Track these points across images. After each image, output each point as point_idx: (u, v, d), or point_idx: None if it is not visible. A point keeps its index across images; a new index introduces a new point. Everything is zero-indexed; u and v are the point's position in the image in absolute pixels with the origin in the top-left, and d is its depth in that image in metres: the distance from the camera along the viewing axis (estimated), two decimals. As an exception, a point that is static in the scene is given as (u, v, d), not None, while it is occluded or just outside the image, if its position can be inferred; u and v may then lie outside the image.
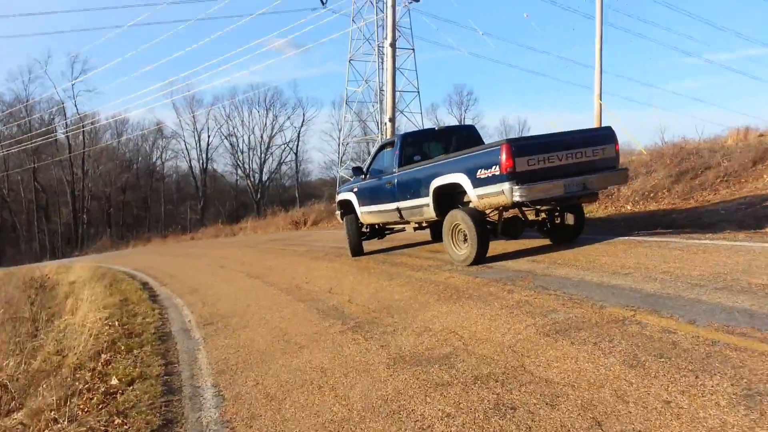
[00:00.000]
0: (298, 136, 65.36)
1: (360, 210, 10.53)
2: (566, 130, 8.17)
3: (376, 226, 10.89)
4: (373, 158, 10.38)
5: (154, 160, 67.13)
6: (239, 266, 13.34)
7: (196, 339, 6.73)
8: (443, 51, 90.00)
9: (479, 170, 7.23)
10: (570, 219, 8.37)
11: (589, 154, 7.53)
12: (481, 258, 7.58)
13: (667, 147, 18.13)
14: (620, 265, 6.29)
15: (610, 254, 7.09)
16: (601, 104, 22.47)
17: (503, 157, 6.89)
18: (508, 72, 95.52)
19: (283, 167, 68.08)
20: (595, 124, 22.47)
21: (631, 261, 6.46)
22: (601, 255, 7.07)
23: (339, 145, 58.55)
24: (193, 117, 63.63)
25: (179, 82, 67.53)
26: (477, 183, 7.28)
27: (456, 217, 7.79)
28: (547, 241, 8.61)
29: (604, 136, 7.97)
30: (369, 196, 10.17)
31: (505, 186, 6.90)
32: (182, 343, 6.68)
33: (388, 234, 11.17)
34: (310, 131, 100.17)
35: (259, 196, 63.42)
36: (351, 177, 13.02)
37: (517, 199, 6.85)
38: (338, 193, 11.99)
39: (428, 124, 54.76)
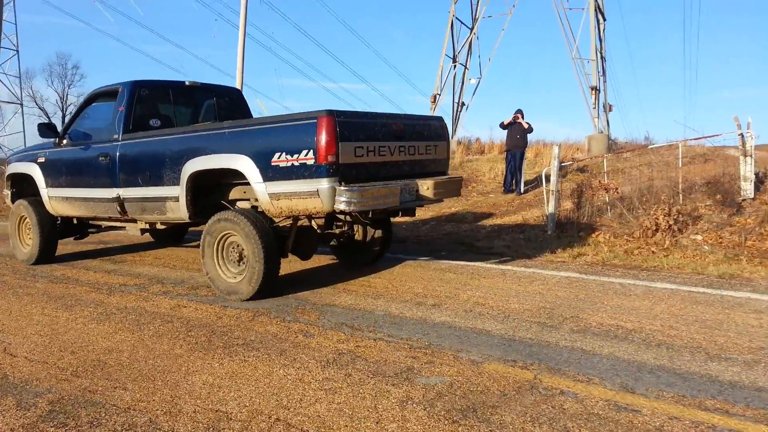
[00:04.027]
0: None
1: (49, 193, 6.83)
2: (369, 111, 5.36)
3: (75, 221, 7.15)
4: (77, 114, 6.72)
5: None
6: None
7: None
8: (49, 14, 76.18)
9: (277, 154, 4.68)
10: (378, 235, 6.24)
11: (421, 150, 5.50)
12: (267, 286, 5.01)
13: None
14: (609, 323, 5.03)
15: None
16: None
17: (322, 138, 4.44)
18: (128, 54, 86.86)
19: None
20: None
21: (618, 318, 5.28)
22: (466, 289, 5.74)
23: None
24: None
25: None
26: (272, 174, 4.75)
27: (228, 224, 5.08)
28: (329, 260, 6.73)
29: (437, 128, 5.84)
30: (66, 172, 6.61)
31: (323, 184, 4.52)
32: None
33: (93, 232, 7.51)
34: None
35: None
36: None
37: (342, 206, 4.51)
38: (9, 162, 7.75)
39: (26, 94, 45.34)
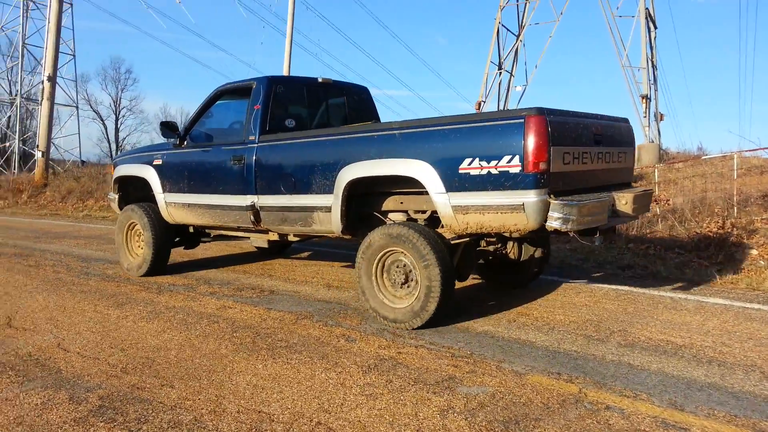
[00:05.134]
0: None
1: (166, 198, 6.20)
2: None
3: (191, 229, 6.57)
4: (201, 113, 6.04)
5: None
6: None
7: None
8: (103, 20, 79.18)
9: (467, 160, 4.02)
10: (537, 254, 5.34)
11: (615, 158, 4.73)
12: (441, 313, 4.28)
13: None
14: None
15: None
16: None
17: (532, 141, 3.77)
18: (178, 60, 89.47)
19: None
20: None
21: None
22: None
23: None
24: None
25: None
26: (458, 183, 4.08)
27: (394, 240, 4.35)
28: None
29: (626, 131, 5.04)
30: (189, 177, 5.95)
31: (530, 197, 3.83)
32: None
33: (206, 241, 6.95)
34: None
35: None
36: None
37: (556, 224, 3.82)
38: (116, 165, 7.05)
39: (81, 97, 47.06)
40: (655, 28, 20.79)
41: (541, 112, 3.82)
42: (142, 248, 6.48)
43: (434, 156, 4.18)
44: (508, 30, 23.02)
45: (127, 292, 5.69)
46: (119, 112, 55.02)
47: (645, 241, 7.87)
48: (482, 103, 22.14)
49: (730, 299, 5.18)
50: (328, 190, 4.76)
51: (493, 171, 3.92)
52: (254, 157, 5.30)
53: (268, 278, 6.24)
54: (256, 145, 5.32)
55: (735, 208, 9.12)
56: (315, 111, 6.13)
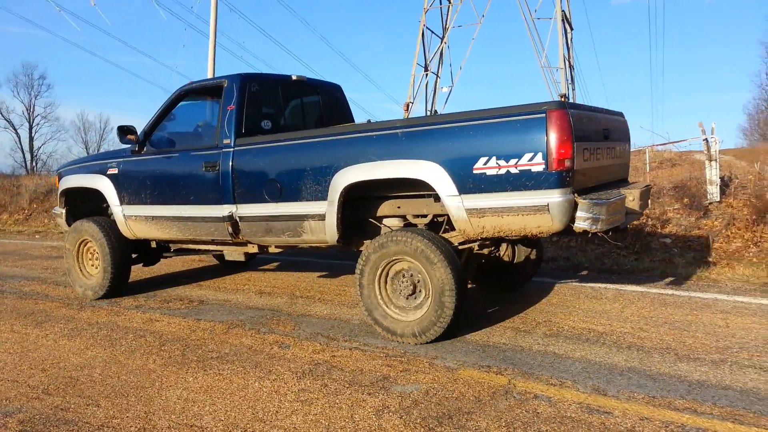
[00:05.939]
0: None
1: (125, 211, 5.61)
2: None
3: (153, 244, 6.00)
4: (162, 115, 5.49)
5: None
6: None
7: None
8: (13, 23, 74.82)
9: (482, 159, 3.75)
10: (531, 255, 5.19)
11: (618, 153, 4.59)
12: (456, 324, 4.02)
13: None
14: None
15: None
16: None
17: (555, 137, 3.54)
18: (95, 64, 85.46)
19: None
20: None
21: None
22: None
23: None
24: None
25: None
26: (472, 184, 3.81)
27: (400, 247, 4.05)
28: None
29: (623, 125, 4.90)
30: (153, 186, 5.39)
31: (555, 197, 3.59)
32: None
33: (168, 256, 6.35)
34: None
35: None
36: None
37: (584, 225, 3.63)
38: (62, 176, 6.29)
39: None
40: (572, 29, 21.71)
41: (562, 105, 3.62)
42: (97, 267, 5.86)
43: (444, 156, 3.89)
44: (432, 32, 23.44)
45: (46, 309, 5.42)
46: (33, 120, 52.14)
47: (567, 233, 8.19)
48: (410, 105, 22.42)
49: (646, 286, 5.48)
50: (321, 196, 4.39)
51: (513, 170, 3.67)
52: (231, 163, 4.85)
53: (197, 288, 6.10)
54: (232, 149, 4.87)
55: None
56: (290, 110, 5.78)
